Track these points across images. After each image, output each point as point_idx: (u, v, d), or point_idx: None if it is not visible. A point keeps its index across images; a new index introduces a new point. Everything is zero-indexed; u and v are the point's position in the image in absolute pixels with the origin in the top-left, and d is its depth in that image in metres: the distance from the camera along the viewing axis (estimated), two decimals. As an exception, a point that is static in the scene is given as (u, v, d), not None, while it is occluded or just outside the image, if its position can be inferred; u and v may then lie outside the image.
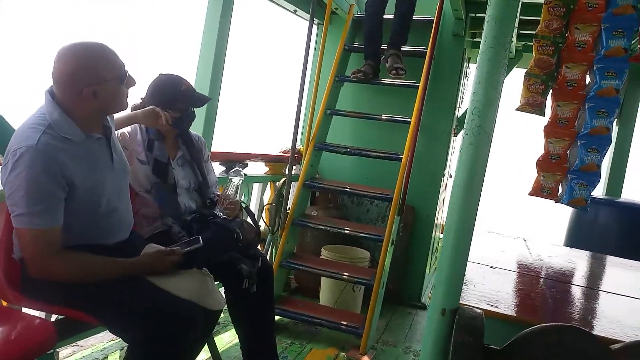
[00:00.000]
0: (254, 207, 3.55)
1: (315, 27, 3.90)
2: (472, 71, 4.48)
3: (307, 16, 3.14)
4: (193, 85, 2.22)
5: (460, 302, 1.22)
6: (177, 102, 2.12)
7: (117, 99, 1.64)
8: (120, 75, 1.61)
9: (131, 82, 1.67)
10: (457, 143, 4.23)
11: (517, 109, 2.35)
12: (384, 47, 3.44)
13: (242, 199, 2.81)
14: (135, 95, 2.19)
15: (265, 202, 3.58)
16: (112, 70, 1.59)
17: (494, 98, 1.05)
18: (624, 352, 1.13)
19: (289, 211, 3.24)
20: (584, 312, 1.52)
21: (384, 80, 3.46)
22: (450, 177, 4.25)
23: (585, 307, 1.59)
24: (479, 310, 1.17)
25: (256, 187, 3.58)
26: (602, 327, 1.36)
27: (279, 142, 3.88)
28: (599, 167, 2.25)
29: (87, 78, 1.54)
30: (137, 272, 1.65)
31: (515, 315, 1.35)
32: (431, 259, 4.05)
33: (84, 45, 1.56)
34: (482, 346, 1.12)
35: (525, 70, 2.35)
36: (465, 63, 3.96)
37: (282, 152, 3.76)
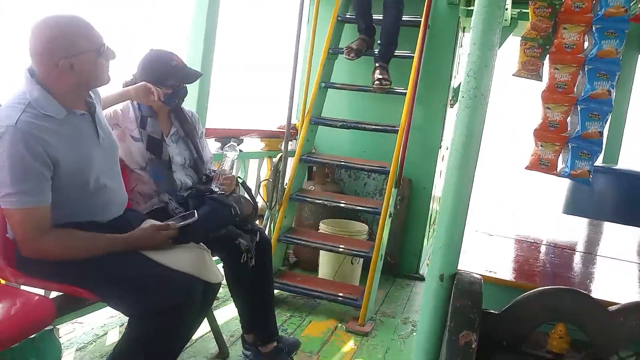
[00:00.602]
0: (251, 183, 3.53)
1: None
2: (467, 40, 4.42)
3: (299, -15, 3.07)
4: (184, 61, 2.19)
5: (458, 268, 1.22)
6: (168, 78, 2.09)
7: (96, 72, 1.60)
8: (97, 46, 1.57)
9: (110, 55, 1.63)
10: (453, 114, 4.20)
11: (513, 74, 2.31)
12: (378, 17, 3.38)
13: (239, 175, 2.79)
14: (127, 72, 2.16)
15: (262, 178, 3.56)
16: (88, 41, 1.55)
17: (490, 59, 1.03)
18: (620, 313, 1.13)
19: (286, 186, 3.23)
20: (582, 277, 1.52)
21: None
22: (447, 149, 4.23)
23: (583, 271, 1.60)
24: (477, 275, 1.16)
25: (253, 163, 3.55)
26: (600, 290, 1.37)
27: (275, 119, 3.85)
28: (601, 134, 2.19)
29: (63, 49, 1.51)
30: (132, 247, 1.64)
31: (513, 280, 1.36)
32: (429, 231, 4.06)
33: (58, 17, 1.53)
34: (481, 311, 1.13)
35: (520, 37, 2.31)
36: (460, 32, 3.90)
37: (279, 128, 3.73)
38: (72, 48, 1.52)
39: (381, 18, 3.36)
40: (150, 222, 1.75)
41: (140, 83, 2.06)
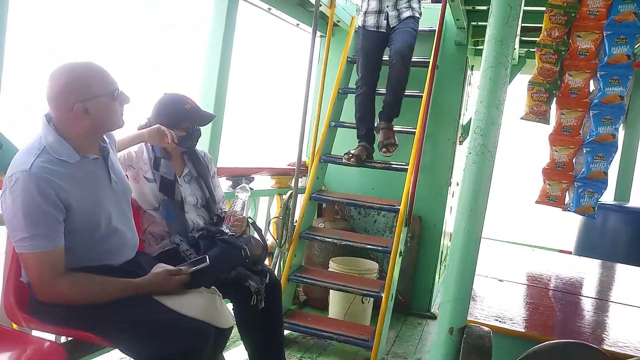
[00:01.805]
0: (261, 220, 3.55)
1: (317, 40, 3.92)
2: (475, 78, 4.48)
3: (310, 29, 3.16)
4: (198, 102, 2.24)
5: (468, 318, 1.22)
6: (182, 121, 2.14)
7: (110, 116, 1.64)
8: (111, 90, 1.62)
9: (124, 99, 1.67)
10: (462, 151, 4.22)
11: (521, 118, 2.35)
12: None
13: (249, 215, 2.81)
14: (142, 115, 2.22)
15: (272, 216, 3.58)
16: (102, 85, 1.60)
17: (496, 116, 1.05)
18: (634, 367, 1.12)
19: (296, 224, 3.25)
20: (593, 326, 1.50)
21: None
22: (457, 184, 4.24)
23: (595, 319, 1.58)
24: (487, 329, 1.16)
25: (263, 200, 3.58)
26: (612, 340, 1.35)
27: (286, 156, 3.89)
28: (606, 174, 2.25)
29: (77, 94, 1.56)
30: (144, 292, 1.65)
31: (523, 331, 1.34)
32: (440, 268, 4.03)
33: (73, 63, 1.59)
34: (491, 364, 1.12)
35: (528, 76, 2.36)
36: (468, 70, 3.96)
37: (289, 165, 3.77)
38: (86, 92, 1.57)
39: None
40: (162, 267, 1.76)
41: (154, 126, 2.11)
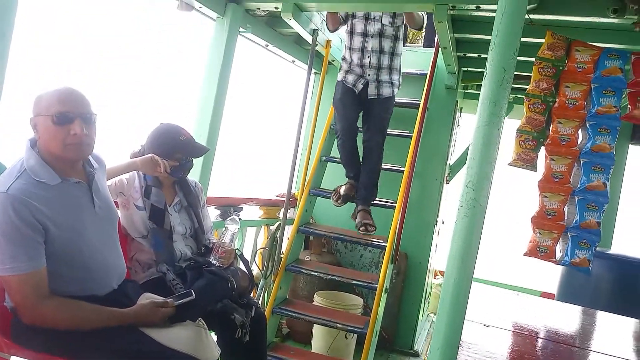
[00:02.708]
0: (248, 250, 3.54)
1: (312, 76, 3.99)
2: (464, 120, 4.58)
3: (305, 66, 3.22)
4: (191, 133, 2.26)
5: (455, 364, 1.23)
6: (176, 151, 2.16)
7: (48, 137, 1.58)
8: (56, 112, 1.55)
9: (76, 129, 1.57)
10: (449, 189, 4.28)
11: (509, 164, 2.39)
12: None
13: (237, 245, 2.81)
14: (141, 115, 2.22)
15: (259, 246, 3.58)
16: (51, 105, 1.56)
17: (488, 173, 1.09)
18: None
19: (282, 256, 3.24)
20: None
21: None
22: (443, 223, 4.28)
23: (578, 369, 1.60)
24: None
25: (250, 230, 3.58)
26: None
27: (275, 187, 3.91)
28: (599, 224, 2.24)
29: (35, 108, 1.58)
30: (130, 322, 1.64)
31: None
32: (424, 305, 4.03)
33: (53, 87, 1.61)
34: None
35: (517, 121, 2.42)
36: (457, 113, 4.06)
37: (278, 196, 3.78)
38: (37, 108, 1.58)
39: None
40: (149, 298, 1.75)
41: (148, 155, 2.12)
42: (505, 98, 1.11)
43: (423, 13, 3.05)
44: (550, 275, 3.70)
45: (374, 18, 3.15)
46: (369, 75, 3.20)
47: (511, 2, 1.11)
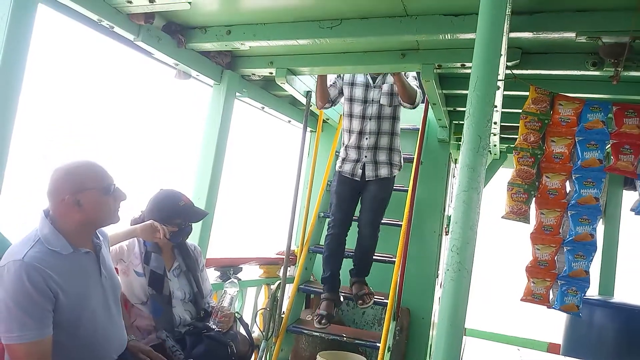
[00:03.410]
0: (248, 311, 3.51)
1: (308, 135, 4.09)
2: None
3: (301, 125, 3.32)
4: (190, 196, 2.31)
5: None
6: (176, 217, 2.20)
7: (103, 210, 1.69)
8: (104, 185, 1.68)
9: (120, 196, 1.74)
10: (447, 242, 4.28)
11: (502, 217, 2.44)
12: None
13: (236, 308, 2.80)
14: (136, 208, 2.28)
15: (259, 306, 3.55)
16: (94, 179, 1.67)
17: (471, 237, 1.13)
18: None
19: (283, 316, 3.21)
20: None
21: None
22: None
23: None
24: None
25: (250, 291, 3.56)
26: None
27: (275, 244, 3.92)
28: (588, 273, 2.31)
29: (70, 186, 1.63)
30: None
31: None
32: (429, 362, 3.94)
33: (71, 160, 1.68)
34: None
35: (510, 170, 2.48)
36: (452, 164, 4.12)
37: (278, 254, 3.79)
38: (77, 185, 1.64)
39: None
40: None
41: (147, 222, 2.16)
42: (483, 164, 1.16)
43: (417, 87, 3.03)
44: (556, 322, 3.65)
45: (372, 100, 3.13)
46: (365, 156, 3.13)
47: (483, 72, 1.18)
